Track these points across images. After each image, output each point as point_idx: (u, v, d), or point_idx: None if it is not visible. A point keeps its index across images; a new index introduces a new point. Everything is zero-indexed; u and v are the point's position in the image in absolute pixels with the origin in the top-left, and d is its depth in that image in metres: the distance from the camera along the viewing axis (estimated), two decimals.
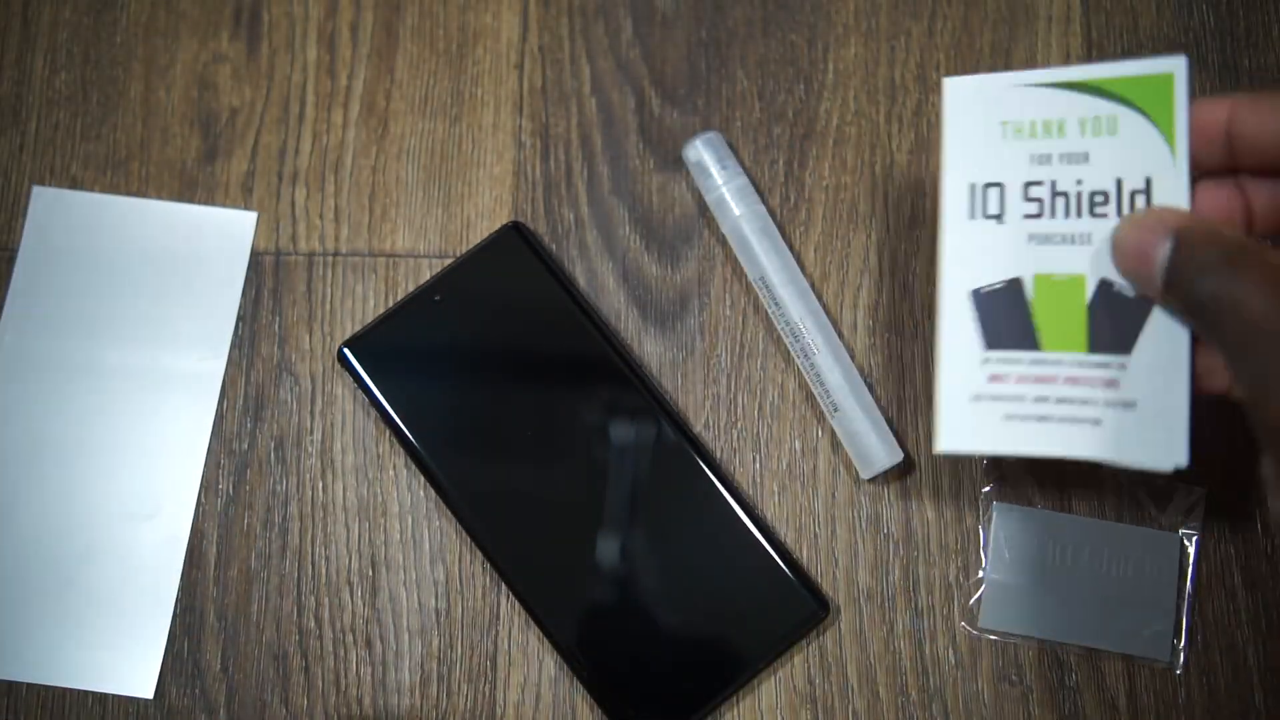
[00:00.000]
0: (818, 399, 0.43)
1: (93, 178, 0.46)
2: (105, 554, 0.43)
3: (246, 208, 0.46)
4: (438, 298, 0.43)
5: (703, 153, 0.44)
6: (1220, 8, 0.47)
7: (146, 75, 0.47)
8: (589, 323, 0.43)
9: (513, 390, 0.43)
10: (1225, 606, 0.42)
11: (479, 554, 0.43)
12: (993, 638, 0.42)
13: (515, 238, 0.44)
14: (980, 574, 0.42)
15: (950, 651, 0.42)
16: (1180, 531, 0.42)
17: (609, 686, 0.41)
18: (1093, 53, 0.47)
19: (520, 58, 0.47)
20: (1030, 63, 0.47)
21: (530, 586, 0.42)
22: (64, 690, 0.42)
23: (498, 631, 0.42)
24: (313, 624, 0.43)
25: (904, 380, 0.44)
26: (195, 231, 0.45)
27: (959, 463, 0.43)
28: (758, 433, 0.44)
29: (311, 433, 0.44)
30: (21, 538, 0.43)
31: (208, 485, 0.44)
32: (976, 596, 0.42)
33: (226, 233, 0.45)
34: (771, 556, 0.41)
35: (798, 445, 0.44)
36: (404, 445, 0.43)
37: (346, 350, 0.43)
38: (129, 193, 0.46)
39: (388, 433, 0.44)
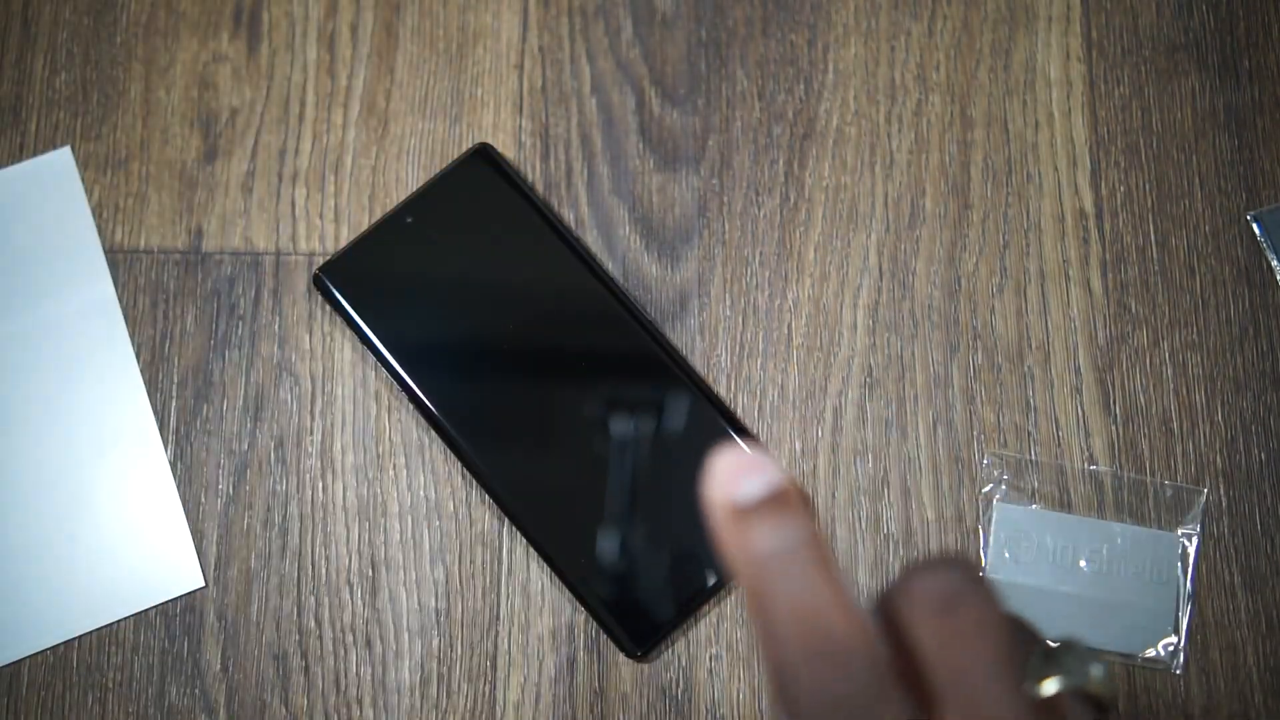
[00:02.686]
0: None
1: (92, 178, 0.46)
2: (91, 494, 0.43)
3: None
4: (410, 220, 0.44)
5: None
6: (1220, 7, 0.47)
7: (146, 75, 0.47)
8: (561, 242, 0.44)
9: (492, 310, 0.44)
10: (1225, 606, 0.42)
11: (479, 552, 0.43)
12: None
13: (483, 159, 0.45)
14: (980, 574, 0.42)
15: None
16: (1180, 531, 0.42)
17: (604, 600, 0.41)
18: (1093, 53, 0.47)
19: (520, 58, 0.47)
20: (1031, 63, 0.47)
21: (525, 508, 0.42)
22: (63, 690, 0.42)
23: (498, 631, 0.42)
24: (312, 624, 0.43)
25: (904, 380, 0.44)
26: (16, 188, 0.46)
27: (959, 462, 0.43)
28: (757, 433, 0.44)
29: (311, 433, 0.44)
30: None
31: (207, 485, 0.44)
32: None
33: (48, 177, 0.46)
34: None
35: (798, 446, 0.44)
36: (390, 373, 0.43)
37: (323, 276, 0.44)
38: (129, 194, 0.46)
39: (387, 430, 0.44)
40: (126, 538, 0.43)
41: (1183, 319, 0.45)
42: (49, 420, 0.44)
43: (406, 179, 0.46)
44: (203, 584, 0.43)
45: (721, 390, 0.44)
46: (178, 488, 0.43)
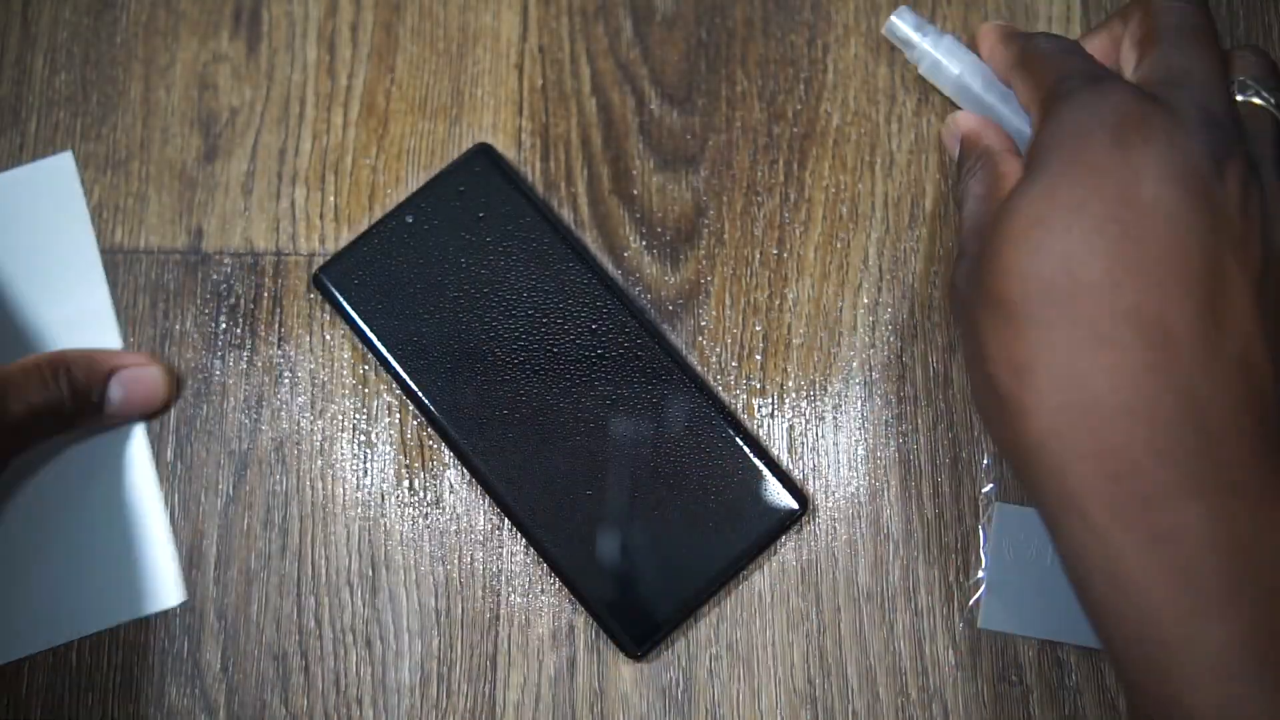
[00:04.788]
0: None
1: (92, 178, 0.46)
2: (88, 496, 0.44)
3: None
4: (410, 219, 0.44)
5: (901, 26, 0.43)
6: (1220, 8, 0.47)
7: (146, 75, 0.47)
8: (561, 242, 0.44)
9: (492, 310, 0.43)
10: None
11: (479, 552, 0.43)
12: (993, 638, 0.42)
13: (483, 159, 0.45)
14: (980, 574, 0.42)
15: (950, 652, 0.42)
16: None
17: (604, 600, 0.41)
18: None
19: (520, 58, 0.47)
20: None
21: (525, 508, 0.42)
22: (63, 690, 0.42)
23: (498, 631, 0.42)
24: (312, 624, 0.43)
25: (904, 380, 0.44)
26: (18, 191, 0.46)
27: (959, 462, 0.43)
28: (756, 433, 0.44)
29: (311, 433, 0.44)
30: None
31: (207, 485, 0.44)
32: (977, 596, 0.42)
33: (51, 182, 0.46)
34: (753, 459, 0.42)
35: (797, 446, 0.44)
36: (390, 373, 0.43)
37: (323, 276, 0.44)
38: (129, 194, 0.46)
39: (388, 430, 0.44)
40: (115, 545, 0.43)
41: None
42: None
43: (406, 179, 0.46)
44: (184, 598, 0.43)
45: (721, 390, 0.44)
46: (175, 489, 0.44)
